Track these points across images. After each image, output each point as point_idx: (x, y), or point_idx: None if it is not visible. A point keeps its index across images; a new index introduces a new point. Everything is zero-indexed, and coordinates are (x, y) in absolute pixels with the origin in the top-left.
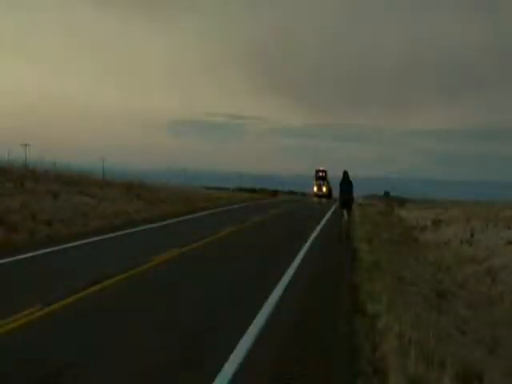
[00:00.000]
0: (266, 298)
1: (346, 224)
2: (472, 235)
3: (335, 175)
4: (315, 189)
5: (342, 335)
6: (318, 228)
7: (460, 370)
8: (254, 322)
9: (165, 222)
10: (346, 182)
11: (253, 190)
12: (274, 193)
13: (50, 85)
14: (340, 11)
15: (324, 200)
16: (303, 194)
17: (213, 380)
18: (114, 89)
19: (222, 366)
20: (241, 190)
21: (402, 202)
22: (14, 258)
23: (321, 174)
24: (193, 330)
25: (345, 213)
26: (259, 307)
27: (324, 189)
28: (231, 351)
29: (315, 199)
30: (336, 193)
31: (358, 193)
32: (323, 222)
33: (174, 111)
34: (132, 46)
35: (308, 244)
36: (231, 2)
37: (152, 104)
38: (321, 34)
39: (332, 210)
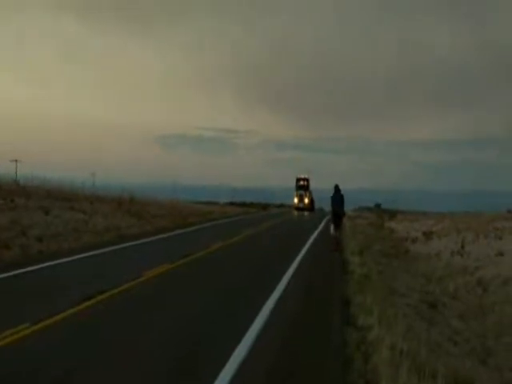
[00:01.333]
0: (259, 310)
1: (336, 236)
2: (463, 246)
3: (327, 188)
4: (295, 200)
5: (333, 347)
6: (309, 241)
7: (452, 380)
8: (249, 332)
9: (156, 237)
10: (338, 195)
11: (244, 204)
12: (265, 206)
13: (40, 99)
14: (331, 24)
15: (306, 213)
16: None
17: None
18: (105, 103)
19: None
20: (232, 204)
21: (393, 213)
22: (4, 275)
23: (302, 182)
24: (183, 345)
25: (332, 227)
26: (255, 314)
27: (306, 200)
28: (226, 360)
29: (295, 213)
30: (321, 205)
31: (348, 205)
32: (314, 235)
33: (165, 125)
34: (123, 61)
35: (299, 257)
36: (223, 15)
37: (143, 118)
38: (312, 46)
39: (323, 222)
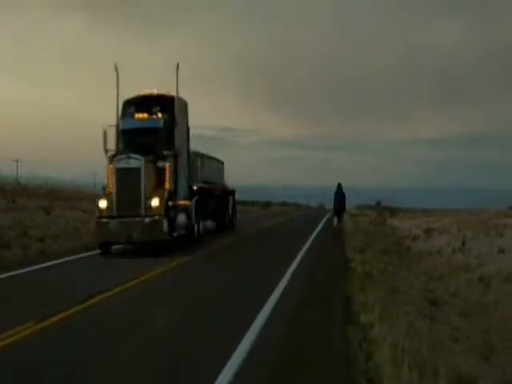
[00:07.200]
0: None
1: (337, 228)
2: (464, 243)
3: (330, 186)
4: (99, 205)
5: (335, 346)
6: (311, 238)
7: (454, 378)
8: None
9: None
10: (340, 192)
11: (245, 203)
12: (266, 205)
13: (40, 99)
14: (333, 22)
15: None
16: (295, 205)
17: None
18: (106, 102)
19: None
20: None
21: (394, 211)
22: (5, 275)
23: (142, 114)
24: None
25: (335, 219)
26: (257, 312)
27: (155, 200)
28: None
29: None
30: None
31: (351, 203)
32: (316, 231)
33: None
34: (124, 60)
35: (299, 257)
36: (226, 15)
37: None
38: (313, 45)
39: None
